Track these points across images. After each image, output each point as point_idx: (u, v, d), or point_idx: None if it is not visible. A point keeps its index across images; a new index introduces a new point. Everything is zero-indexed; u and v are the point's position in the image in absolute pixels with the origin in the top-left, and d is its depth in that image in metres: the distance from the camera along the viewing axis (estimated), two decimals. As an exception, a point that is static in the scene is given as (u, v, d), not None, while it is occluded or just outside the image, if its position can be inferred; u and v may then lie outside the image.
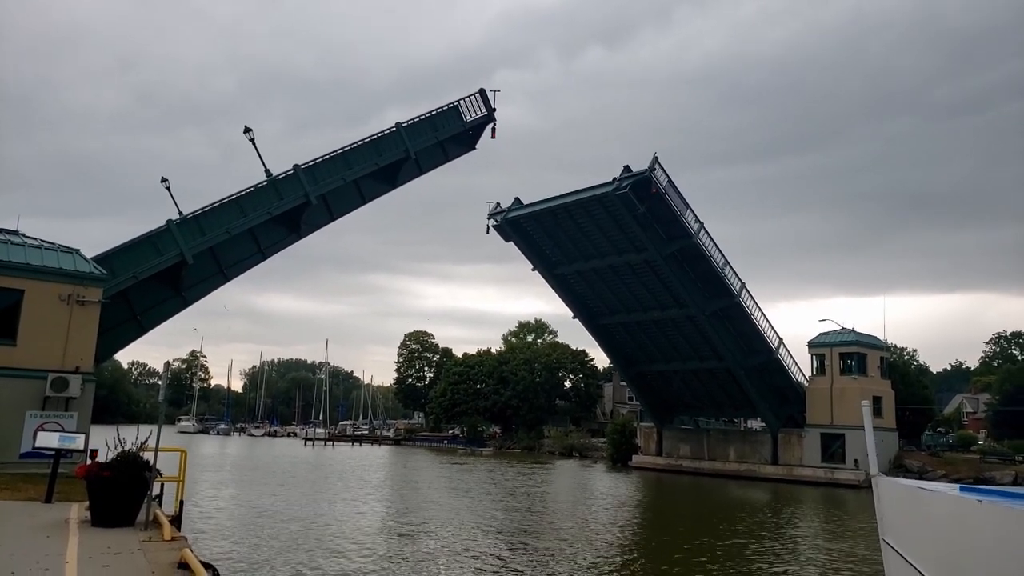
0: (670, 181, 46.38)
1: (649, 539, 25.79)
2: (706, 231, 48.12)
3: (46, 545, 9.91)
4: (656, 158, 45.34)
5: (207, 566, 8.65)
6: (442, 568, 17.85)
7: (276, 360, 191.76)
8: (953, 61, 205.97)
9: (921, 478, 36.83)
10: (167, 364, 16.76)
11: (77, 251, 23.75)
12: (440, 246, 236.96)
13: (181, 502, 14.34)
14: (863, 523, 27.70)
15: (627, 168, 45.48)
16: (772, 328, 51.58)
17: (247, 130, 28.10)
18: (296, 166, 29.79)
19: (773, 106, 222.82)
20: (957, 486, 5.57)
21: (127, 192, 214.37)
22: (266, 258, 30.27)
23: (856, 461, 47.60)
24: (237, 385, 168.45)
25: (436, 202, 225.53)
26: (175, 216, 26.89)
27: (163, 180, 26.58)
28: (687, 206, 47.44)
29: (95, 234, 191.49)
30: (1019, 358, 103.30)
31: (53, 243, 23.91)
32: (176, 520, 13.26)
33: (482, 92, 36.29)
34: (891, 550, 5.98)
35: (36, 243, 23.47)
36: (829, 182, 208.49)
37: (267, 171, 29.09)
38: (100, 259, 24.55)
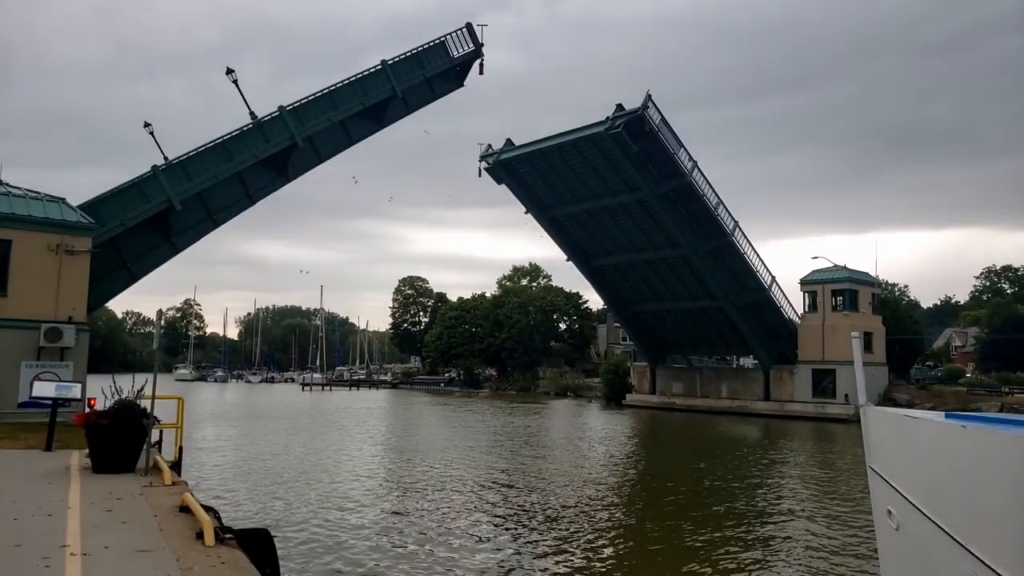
0: (663, 119, 45.76)
1: (639, 471, 26.38)
2: (699, 170, 47.75)
3: (48, 492, 10.03)
4: (649, 95, 44.62)
5: (208, 509, 8.78)
6: (440, 507, 18.24)
7: (271, 307, 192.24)
8: (938, 1, 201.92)
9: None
10: (160, 312, 16.68)
11: (63, 200, 23.45)
12: (429, 191, 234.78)
13: (180, 448, 14.52)
14: (850, 454, 28.39)
15: (620, 107, 44.77)
16: (764, 266, 51.80)
17: (229, 71, 27.43)
18: (281, 107, 29.18)
19: (758, 47, 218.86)
20: (943, 413, 5.66)
21: (112, 141, 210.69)
22: (255, 203, 29.92)
23: (847, 396, 48.43)
24: (233, 333, 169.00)
25: (423, 146, 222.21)
26: (161, 162, 26.48)
27: (146, 125, 26.03)
28: (680, 145, 46.92)
29: (81, 184, 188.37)
30: (1008, 292, 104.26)
31: (39, 192, 23.58)
32: (176, 465, 13.44)
33: (469, 27, 35.24)
34: (877, 476, 6.11)
35: (21, 193, 23.11)
36: (817, 122, 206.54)
37: (252, 113, 28.51)
38: (86, 207, 24.23)
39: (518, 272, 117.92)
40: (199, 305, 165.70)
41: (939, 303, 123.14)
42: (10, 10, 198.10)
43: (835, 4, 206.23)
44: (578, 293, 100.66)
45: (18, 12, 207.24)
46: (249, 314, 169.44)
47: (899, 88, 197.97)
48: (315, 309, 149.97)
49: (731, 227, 49.36)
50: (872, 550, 10.46)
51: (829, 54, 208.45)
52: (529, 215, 54.56)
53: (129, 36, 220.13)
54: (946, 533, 4.77)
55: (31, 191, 23.48)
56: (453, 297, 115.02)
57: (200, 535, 7.31)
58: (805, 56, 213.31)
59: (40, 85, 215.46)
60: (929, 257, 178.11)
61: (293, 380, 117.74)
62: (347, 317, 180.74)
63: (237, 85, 27.75)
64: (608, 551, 14.32)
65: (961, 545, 4.60)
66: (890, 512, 5.79)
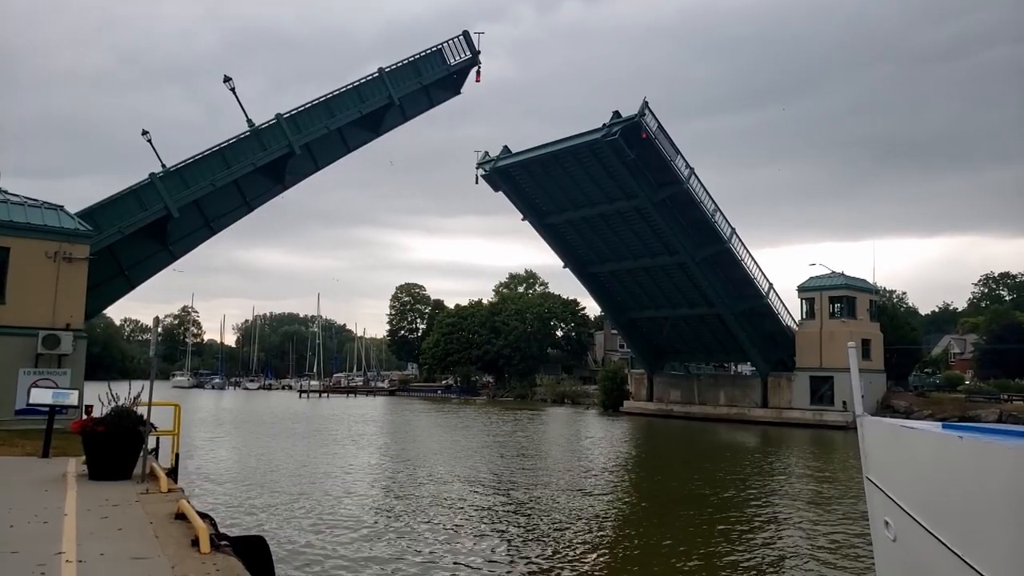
0: (660, 126, 45.86)
1: (636, 479, 26.33)
2: (696, 177, 47.85)
3: (45, 499, 10.00)
4: (646, 103, 44.72)
5: (204, 516, 8.76)
6: (435, 514, 18.20)
7: (268, 314, 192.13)
8: (928, 10, 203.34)
9: (908, 418, 37.57)
10: (157, 319, 16.70)
11: (61, 207, 23.45)
12: (426, 199, 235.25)
13: (177, 455, 14.51)
14: (847, 462, 28.36)
15: (616, 114, 44.88)
16: (762, 273, 51.85)
17: (227, 79, 27.52)
18: (279, 115, 29.28)
19: (750, 56, 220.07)
20: (940, 424, 5.67)
21: (111, 150, 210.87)
22: (252, 210, 29.99)
23: (844, 403, 48.41)
24: (230, 340, 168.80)
25: (419, 155, 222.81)
26: (158, 170, 26.51)
27: (144, 132, 26.12)
28: (677, 152, 47.03)
29: (80, 192, 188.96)
30: (1007, 299, 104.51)
31: (37, 200, 23.58)
32: (172, 473, 13.41)
33: (466, 34, 35.38)
34: (874, 487, 6.10)
35: (19, 200, 23.12)
36: (810, 130, 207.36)
37: (249, 121, 28.60)
38: (84, 215, 24.26)
39: (515, 279, 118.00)
40: (197, 312, 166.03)
41: (937, 310, 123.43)
42: (15, 20, 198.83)
43: (824, 13, 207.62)
44: (575, 300, 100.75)
45: (23, 22, 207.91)
46: (247, 321, 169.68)
47: (891, 97, 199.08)
48: (312, 316, 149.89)
49: (728, 234, 49.43)
50: (870, 561, 10.44)
51: (821, 63, 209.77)
52: (526, 222, 54.63)
53: (129, 44, 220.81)
54: (944, 545, 4.77)
55: (29, 198, 23.48)
56: (450, 304, 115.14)
57: (196, 542, 7.30)
58: (797, 65, 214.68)
59: (40, 94, 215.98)
60: (926, 264, 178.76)
61: (290, 387, 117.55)
62: (344, 324, 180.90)
63: (235, 93, 27.86)
64: (602, 560, 14.28)
65: (959, 557, 4.60)
66: (887, 523, 5.78)
